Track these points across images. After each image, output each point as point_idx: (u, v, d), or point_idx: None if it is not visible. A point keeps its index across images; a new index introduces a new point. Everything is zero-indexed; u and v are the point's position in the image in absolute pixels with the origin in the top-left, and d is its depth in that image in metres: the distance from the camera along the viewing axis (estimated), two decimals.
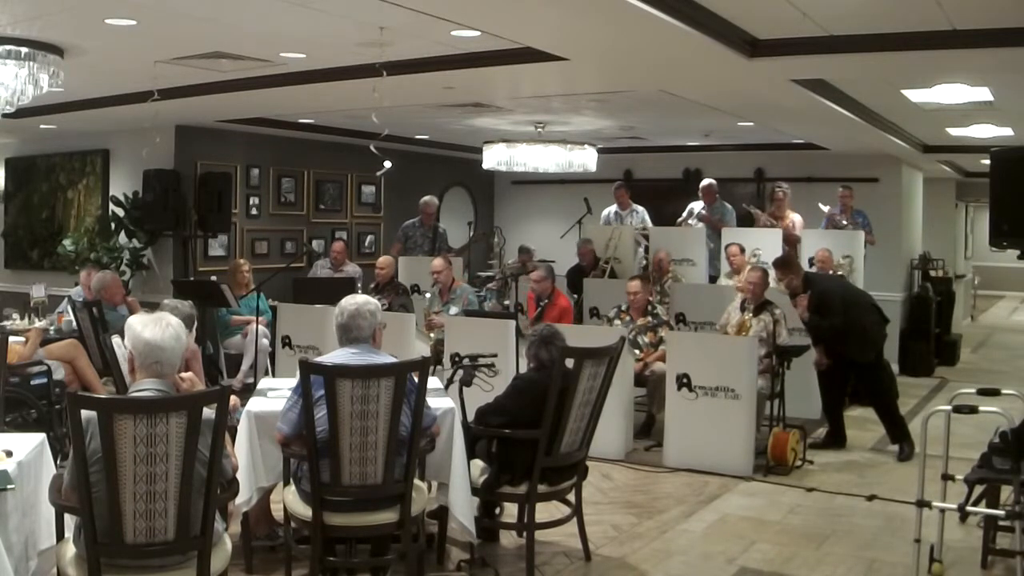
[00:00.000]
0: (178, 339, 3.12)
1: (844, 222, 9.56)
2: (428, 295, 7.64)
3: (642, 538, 4.93)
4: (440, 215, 10.34)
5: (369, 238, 11.78)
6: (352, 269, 9.45)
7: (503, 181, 13.63)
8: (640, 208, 10.30)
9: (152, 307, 4.32)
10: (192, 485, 2.97)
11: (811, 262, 8.84)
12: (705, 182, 10.15)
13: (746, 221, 9.87)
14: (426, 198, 9.95)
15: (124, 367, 5.04)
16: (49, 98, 6.68)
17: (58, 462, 3.63)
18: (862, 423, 7.39)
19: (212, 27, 5.29)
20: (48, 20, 5.09)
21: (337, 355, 3.93)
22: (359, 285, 8.42)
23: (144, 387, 3.05)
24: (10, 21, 5.03)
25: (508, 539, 4.81)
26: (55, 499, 3.13)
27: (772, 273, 7.14)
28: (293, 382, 3.91)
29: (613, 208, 10.49)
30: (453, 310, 7.41)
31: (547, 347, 4.48)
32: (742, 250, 8.73)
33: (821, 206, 9.64)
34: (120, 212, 9.40)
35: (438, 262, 7.78)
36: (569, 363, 4.30)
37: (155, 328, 3.07)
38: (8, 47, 5.38)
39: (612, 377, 4.51)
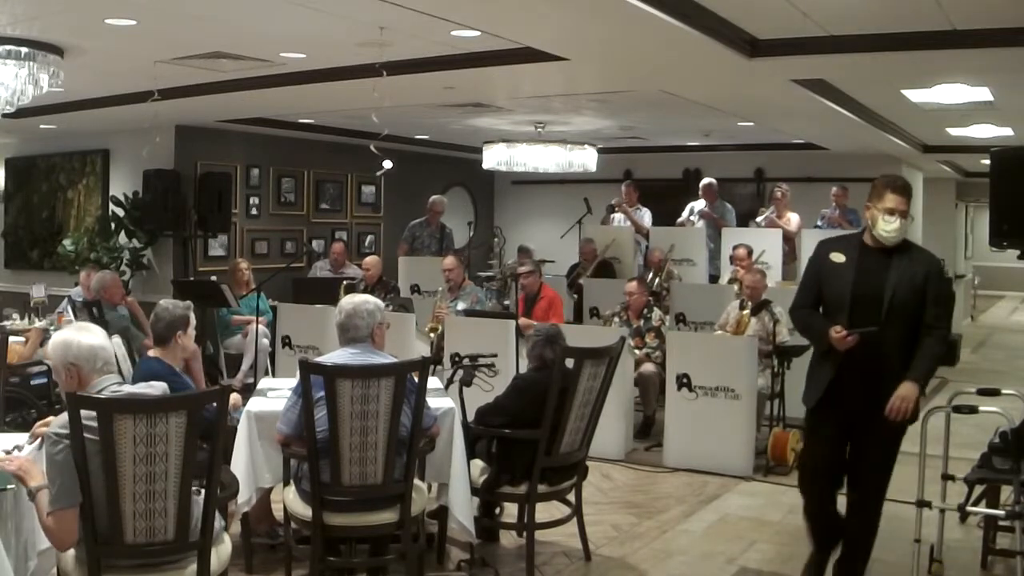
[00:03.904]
0: (108, 339, 3.17)
1: (832, 224, 9.59)
2: (440, 290, 7.70)
3: (642, 538, 4.93)
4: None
5: (369, 238, 11.78)
6: (353, 271, 9.44)
7: (503, 181, 13.64)
8: (643, 209, 10.28)
9: (151, 307, 4.32)
10: (191, 485, 2.97)
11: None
12: (705, 181, 10.16)
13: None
14: (435, 197, 9.94)
15: (124, 366, 5.04)
16: (49, 98, 6.68)
17: None
18: None
19: (212, 27, 5.29)
20: (48, 20, 5.09)
21: (336, 355, 3.94)
22: (362, 286, 8.42)
23: (108, 383, 3.03)
24: (10, 21, 5.03)
25: (508, 539, 4.81)
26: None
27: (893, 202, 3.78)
28: (293, 382, 3.91)
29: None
30: (461, 306, 7.44)
31: (552, 346, 4.46)
32: (749, 253, 8.68)
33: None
34: (120, 212, 9.41)
35: (449, 260, 7.80)
36: (569, 363, 4.30)
37: (90, 334, 3.09)
38: (8, 47, 5.39)
39: (612, 377, 4.50)
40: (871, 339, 3.65)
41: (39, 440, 3.25)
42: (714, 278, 9.36)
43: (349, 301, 3.99)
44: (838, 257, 3.89)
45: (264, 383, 5.03)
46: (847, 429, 3.87)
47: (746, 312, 6.80)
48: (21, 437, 3.50)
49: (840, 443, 3.93)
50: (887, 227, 3.73)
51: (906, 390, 3.67)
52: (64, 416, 2.86)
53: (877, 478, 3.93)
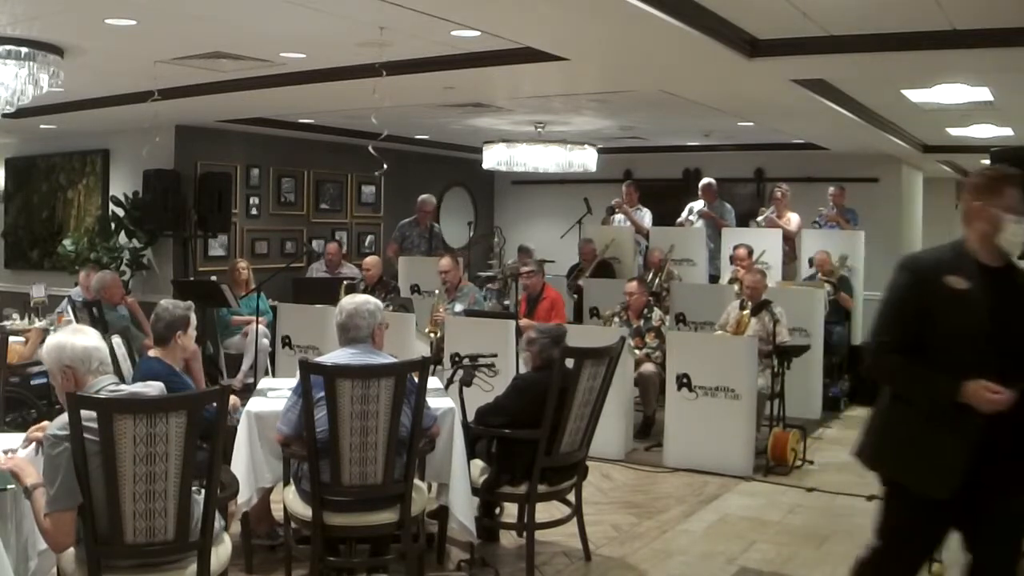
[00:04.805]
0: (102, 339, 3.16)
1: (829, 222, 9.59)
2: (437, 291, 7.71)
3: (642, 538, 4.93)
4: (440, 215, 10.31)
5: (369, 238, 11.78)
6: (348, 271, 9.44)
7: (503, 181, 13.63)
8: (644, 210, 10.26)
9: (151, 307, 4.32)
10: (191, 485, 2.97)
11: (811, 263, 8.85)
12: (705, 181, 10.16)
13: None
14: (423, 197, 9.91)
15: (124, 366, 5.04)
16: (49, 98, 6.68)
17: None
18: (862, 423, 7.38)
19: (212, 27, 5.29)
20: (48, 20, 5.09)
21: (336, 355, 3.94)
22: (362, 286, 8.42)
23: (105, 383, 3.03)
24: (10, 21, 5.03)
25: (508, 539, 4.81)
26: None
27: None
28: (293, 382, 3.91)
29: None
30: (458, 307, 7.44)
31: (558, 347, 4.45)
32: (750, 253, 8.69)
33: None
34: (120, 212, 9.41)
35: (446, 261, 7.80)
36: (569, 363, 4.30)
37: (83, 336, 3.07)
38: (8, 47, 5.38)
39: (612, 377, 4.50)
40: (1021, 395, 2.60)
41: (33, 444, 3.24)
42: (714, 278, 9.37)
43: (350, 301, 4.00)
44: (958, 282, 2.79)
45: (264, 383, 5.03)
46: (960, 516, 2.91)
47: (746, 312, 6.81)
48: (21, 437, 3.50)
49: (940, 539, 3.04)
50: (1020, 231, 2.71)
51: None
52: (63, 417, 2.86)
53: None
